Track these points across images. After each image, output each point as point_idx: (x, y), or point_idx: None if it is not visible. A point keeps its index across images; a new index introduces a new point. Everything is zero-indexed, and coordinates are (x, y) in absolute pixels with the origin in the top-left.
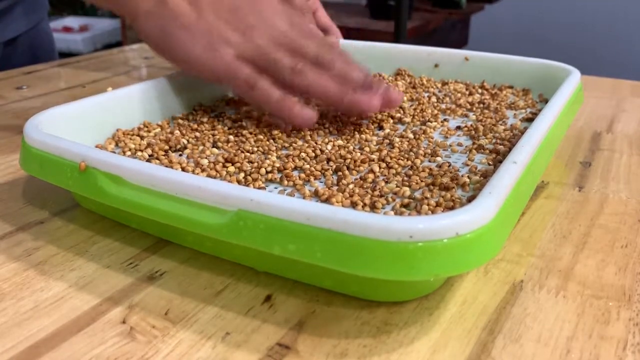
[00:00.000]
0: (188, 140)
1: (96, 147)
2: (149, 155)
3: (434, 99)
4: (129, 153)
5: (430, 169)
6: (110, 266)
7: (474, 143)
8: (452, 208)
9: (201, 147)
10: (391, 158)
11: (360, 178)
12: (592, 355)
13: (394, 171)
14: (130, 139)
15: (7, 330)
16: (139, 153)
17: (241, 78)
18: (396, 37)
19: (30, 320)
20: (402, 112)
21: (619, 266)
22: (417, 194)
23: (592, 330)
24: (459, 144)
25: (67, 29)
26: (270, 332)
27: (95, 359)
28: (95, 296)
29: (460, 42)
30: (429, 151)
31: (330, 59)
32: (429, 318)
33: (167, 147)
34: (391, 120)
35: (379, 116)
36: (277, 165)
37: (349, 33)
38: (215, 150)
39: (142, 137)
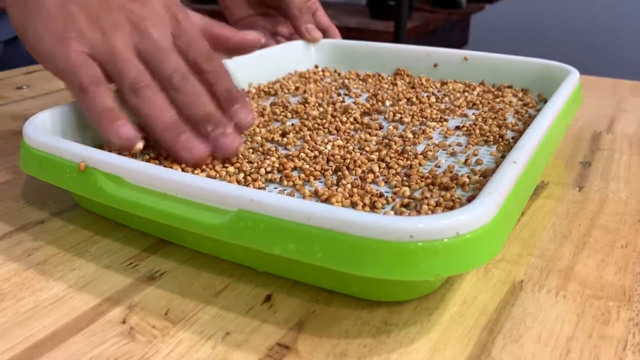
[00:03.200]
0: None
1: (96, 147)
2: (149, 156)
3: (433, 99)
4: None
5: (430, 169)
6: (110, 266)
7: (473, 143)
8: (451, 208)
9: None
10: (390, 158)
11: (360, 178)
12: (592, 355)
13: (393, 171)
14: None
15: (7, 330)
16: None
17: (78, 78)
18: (396, 37)
19: (30, 320)
20: (402, 112)
21: (619, 266)
22: (417, 194)
23: (592, 330)
24: (459, 144)
25: None
26: (270, 332)
27: (95, 359)
28: (95, 296)
29: (460, 42)
30: (428, 151)
31: (180, 85)
32: (429, 318)
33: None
34: (392, 120)
35: (379, 116)
36: (277, 165)
37: (349, 33)
38: None
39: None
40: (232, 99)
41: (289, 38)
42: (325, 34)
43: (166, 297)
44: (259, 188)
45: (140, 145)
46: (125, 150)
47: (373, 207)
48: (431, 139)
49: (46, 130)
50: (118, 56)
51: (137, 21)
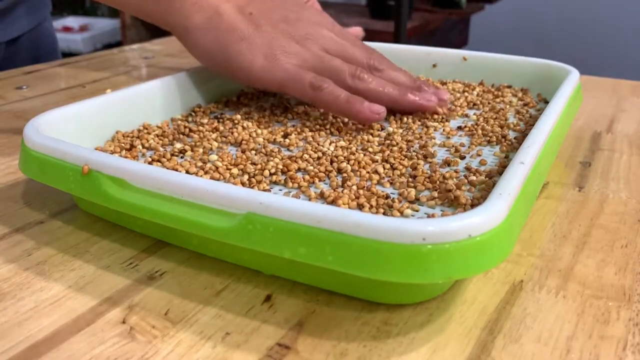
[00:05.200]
0: (191, 141)
1: (96, 149)
2: (151, 158)
3: None
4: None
5: (435, 170)
6: (110, 266)
7: (476, 143)
8: (457, 208)
9: (202, 149)
10: (394, 159)
11: (365, 179)
12: (592, 355)
13: (398, 172)
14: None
15: (7, 330)
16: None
17: (306, 81)
18: (396, 37)
19: (30, 320)
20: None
21: (619, 266)
22: (423, 195)
23: (592, 330)
24: (462, 144)
25: (67, 29)
26: (270, 332)
27: (95, 359)
28: (95, 296)
29: (460, 42)
30: (432, 151)
31: (380, 66)
32: (429, 318)
33: (168, 150)
34: (393, 120)
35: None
36: (281, 167)
37: None
38: (213, 156)
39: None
40: (420, 84)
41: None
42: None
43: (166, 297)
44: (264, 190)
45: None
46: (376, 121)
47: (379, 209)
48: (434, 139)
49: (47, 132)
50: (325, 58)
51: (316, 29)
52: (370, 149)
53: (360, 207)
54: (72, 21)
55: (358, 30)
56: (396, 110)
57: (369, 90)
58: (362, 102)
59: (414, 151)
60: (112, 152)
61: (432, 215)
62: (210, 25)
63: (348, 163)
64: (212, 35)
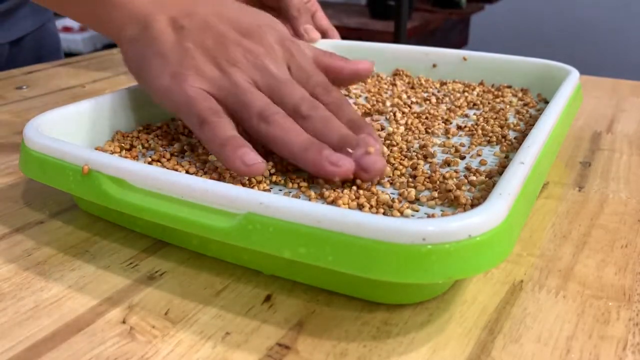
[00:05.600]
0: (191, 141)
1: (96, 149)
2: (151, 158)
3: (433, 99)
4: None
5: (435, 170)
6: (110, 266)
7: (476, 143)
8: (457, 208)
9: (202, 149)
10: (394, 159)
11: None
12: (592, 355)
13: (398, 172)
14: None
15: (7, 330)
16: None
17: (195, 111)
18: (396, 37)
19: (30, 320)
20: (403, 112)
21: (619, 266)
22: (423, 195)
23: (592, 330)
24: (462, 144)
25: (67, 29)
26: (270, 332)
27: (95, 359)
28: (95, 296)
29: (460, 42)
30: (432, 151)
31: (309, 113)
32: (429, 318)
33: (168, 150)
34: (393, 120)
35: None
36: (281, 167)
37: (348, 33)
38: (213, 156)
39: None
40: (357, 127)
41: None
42: (325, 35)
43: (166, 297)
44: (264, 190)
45: (266, 170)
46: (249, 175)
47: (379, 209)
48: (434, 139)
49: (47, 132)
50: (240, 89)
51: (253, 57)
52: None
53: (360, 207)
54: (72, 21)
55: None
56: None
57: (269, 136)
58: (237, 148)
59: (414, 151)
60: (112, 152)
61: (432, 216)
62: (139, 37)
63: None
64: (137, 49)
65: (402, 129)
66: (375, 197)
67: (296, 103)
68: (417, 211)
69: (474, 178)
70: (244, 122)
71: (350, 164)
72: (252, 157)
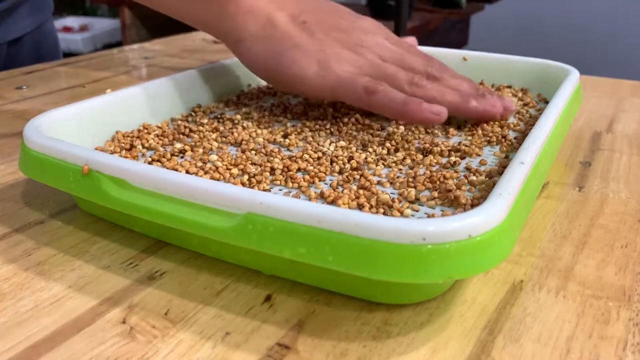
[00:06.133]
0: (191, 141)
1: (96, 149)
2: (151, 158)
3: None
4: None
5: (434, 170)
6: (110, 266)
7: (476, 143)
8: (457, 208)
9: (202, 149)
10: (395, 159)
11: (365, 179)
12: (592, 355)
13: (398, 172)
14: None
15: (7, 330)
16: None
17: (360, 86)
18: None
19: (30, 320)
20: None
21: (619, 266)
22: (423, 195)
23: (592, 330)
24: (462, 144)
25: (67, 29)
26: (270, 332)
27: (95, 359)
28: (95, 296)
29: (460, 42)
30: (432, 151)
31: (439, 74)
32: (429, 318)
33: (168, 150)
34: (394, 121)
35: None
36: (281, 167)
37: None
38: (213, 156)
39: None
40: (483, 91)
41: None
42: None
43: (166, 297)
44: (264, 190)
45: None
46: (438, 123)
47: (379, 209)
48: (434, 139)
49: (47, 132)
50: (380, 65)
51: (371, 37)
52: (370, 149)
53: (360, 207)
54: (72, 21)
55: (412, 40)
56: (460, 117)
57: (427, 98)
58: (421, 103)
59: (414, 151)
60: (112, 152)
61: (432, 216)
62: (264, 33)
63: (349, 163)
64: (266, 44)
65: (402, 128)
66: (375, 197)
67: (424, 69)
68: (417, 211)
69: (474, 178)
70: (396, 89)
71: (500, 104)
72: (438, 108)
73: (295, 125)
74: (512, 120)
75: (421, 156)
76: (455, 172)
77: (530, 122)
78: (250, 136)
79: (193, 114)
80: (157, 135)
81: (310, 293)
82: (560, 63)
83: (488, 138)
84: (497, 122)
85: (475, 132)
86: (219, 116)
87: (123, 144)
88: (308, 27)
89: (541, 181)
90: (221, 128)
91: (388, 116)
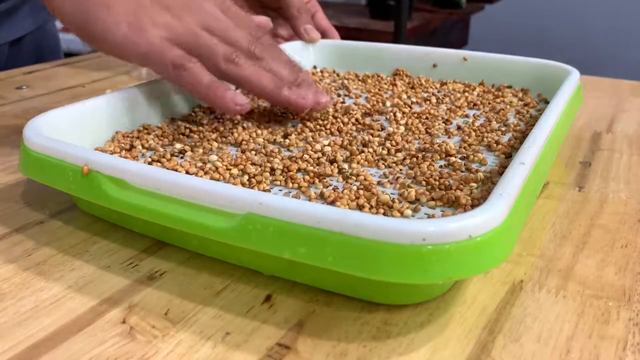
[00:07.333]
0: (191, 142)
1: (96, 149)
2: (151, 158)
3: (433, 99)
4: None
5: (434, 170)
6: (110, 266)
7: (476, 143)
8: (457, 209)
9: (202, 150)
10: (395, 159)
11: (365, 179)
12: (592, 355)
13: (398, 172)
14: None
15: (7, 330)
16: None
17: (168, 58)
18: (396, 37)
19: (30, 320)
20: (404, 112)
21: (619, 266)
22: (424, 196)
23: (592, 330)
24: (462, 144)
25: (67, 29)
26: (270, 332)
27: (95, 359)
28: (95, 296)
29: (460, 42)
30: (432, 151)
31: (262, 54)
32: (429, 318)
33: (168, 150)
34: (393, 120)
35: (382, 117)
36: (281, 167)
37: (348, 33)
38: (213, 157)
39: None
40: (293, 65)
41: (288, 40)
42: (325, 36)
43: (166, 297)
44: (264, 190)
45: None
46: (238, 114)
47: (379, 209)
48: (434, 139)
49: (47, 132)
50: (200, 35)
51: (197, 2)
52: (370, 149)
53: (360, 207)
54: None
55: (264, 20)
56: (270, 103)
57: (241, 77)
58: (225, 90)
59: (414, 151)
60: (112, 153)
61: (432, 216)
62: None
63: (349, 163)
64: (76, 6)
65: (402, 129)
66: (375, 197)
67: (248, 45)
68: (417, 211)
69: (474, 178)
70: (210, 65)
71: (312, 97)
72: (242, 98)
73: (296, 126)
74: (512, 120)
75: (421, 156)
76: (455, 172)
77: (531, 123)
78: (250, 136)
79: (193, 114)
80: (157, 136)
81: (310, 293)
82: (561, 63)
83: (487, 142)
84: (494, 128)
85: (475, 132)
86: (219, 116)
87: (123, 144)
88: None
89: (541, 181)
90: (221, 128)
91: (194, 95)
